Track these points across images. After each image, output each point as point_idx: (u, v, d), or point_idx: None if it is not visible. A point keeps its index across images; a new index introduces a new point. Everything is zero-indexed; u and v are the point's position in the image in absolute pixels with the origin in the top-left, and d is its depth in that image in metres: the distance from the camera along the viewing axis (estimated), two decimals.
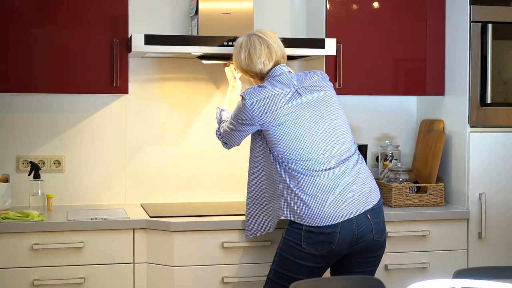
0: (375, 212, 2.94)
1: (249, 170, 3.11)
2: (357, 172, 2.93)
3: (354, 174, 2.92)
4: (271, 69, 3.04)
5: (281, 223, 3.01)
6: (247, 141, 3.12)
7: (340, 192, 2.87)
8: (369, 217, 2.91)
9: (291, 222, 2.92)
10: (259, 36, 3.05)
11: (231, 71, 3.40)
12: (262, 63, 3.03)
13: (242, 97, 2.98)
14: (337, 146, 2.92)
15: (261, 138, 3.02)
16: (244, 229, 3.19)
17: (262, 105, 2.92)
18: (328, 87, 3.03)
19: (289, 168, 2.90)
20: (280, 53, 3.07)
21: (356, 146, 3.03)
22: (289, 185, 2.90)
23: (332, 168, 2.89)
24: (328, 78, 3.08)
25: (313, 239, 2.85)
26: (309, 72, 3.07)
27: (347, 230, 2.86)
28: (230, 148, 3.22)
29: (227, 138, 3.16)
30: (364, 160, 3.03)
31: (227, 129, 3.12)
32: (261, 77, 3.07)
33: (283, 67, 3.04)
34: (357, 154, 2.99)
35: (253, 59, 3.03)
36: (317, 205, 2.84)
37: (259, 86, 2.99)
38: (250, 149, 3.11)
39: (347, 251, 2.90)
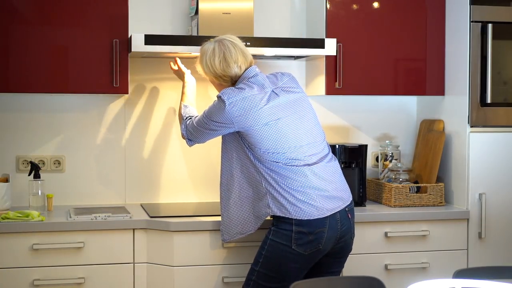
0: (352, 211, 3.02)
1: (223, 171, 3.08)
2: (334, 168, 2.99)
3: (332, 170, 2.97)
4: (243, 72, 3.03)
5: (264, 224, 3.01)
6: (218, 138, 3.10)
7: (325, 187, 2.91)
8: (349, 217, 2.97)
9: (278, 223, 2.92)
10: (231, 41, 3.03)
11: (180, 67, 3.42)
12: (239, 67, 3.00)
13: (220, 97, 2.94)
14: (316, 145, 2.97)
15: (236, 138, 3.00)
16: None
17: (242, 106, 2.90)
18: (300, 89, 3.05)
19: (274, 167, 2.90)
20: (251, 57, 3.07)
21: (328, 145, 3.07)
22: (275, 183, 2.90)
23: (315, 163, 2.92)
24: (296, 79, 3.08)
25: (303, 239, 2.86)
26: (277, 73, 3.08)
27: (333, 229, 2.90)
28: (192, 145, 3.17)
29: (195, 136, 3.11)
30: (337, 159, 3.07)
31: (197, 126, 3.07)
32: (234, 81, 3.04)
33: (256, 69, 3.04)
34: (331, 153, 3.04)
35: (230, 64, 2.99)
36: (306, 199, 2.87)
37: (236, 87, 2.97)
38: (223, 150, 3.08)
39: (328, 250, 2.93)
